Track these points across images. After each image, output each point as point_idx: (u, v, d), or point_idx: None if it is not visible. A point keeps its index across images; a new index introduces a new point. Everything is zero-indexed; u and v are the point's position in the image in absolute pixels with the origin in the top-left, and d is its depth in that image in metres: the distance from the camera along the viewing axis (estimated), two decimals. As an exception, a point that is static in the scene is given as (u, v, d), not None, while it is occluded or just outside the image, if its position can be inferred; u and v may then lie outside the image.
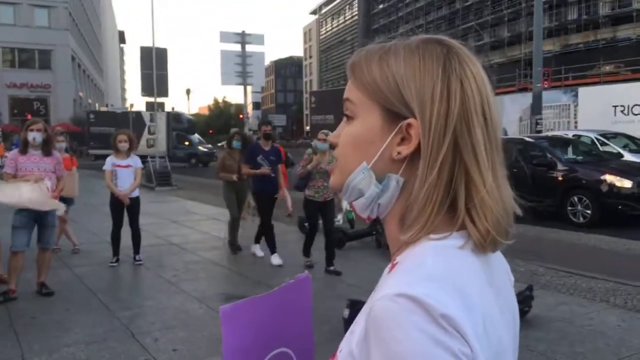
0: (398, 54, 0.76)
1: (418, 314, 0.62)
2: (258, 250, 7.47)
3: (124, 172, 6.94)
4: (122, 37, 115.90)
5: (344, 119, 0.82)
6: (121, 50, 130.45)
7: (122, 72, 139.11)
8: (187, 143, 34.17)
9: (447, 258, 0.70)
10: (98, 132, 35.85)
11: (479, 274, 0.72)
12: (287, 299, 0.98)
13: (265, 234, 7.17)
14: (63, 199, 6.55)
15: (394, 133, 0.74)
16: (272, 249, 7.07)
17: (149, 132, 31.65)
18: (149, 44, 18.61)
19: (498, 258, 0.81)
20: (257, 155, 7.04)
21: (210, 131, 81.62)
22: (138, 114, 33.87)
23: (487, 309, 0.70)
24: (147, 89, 18.00)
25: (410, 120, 0.73)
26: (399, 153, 0.74)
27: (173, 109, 69.55)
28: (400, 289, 0.64)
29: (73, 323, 4.91)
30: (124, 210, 7.04)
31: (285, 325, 0.98)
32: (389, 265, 0.76)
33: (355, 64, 0.80)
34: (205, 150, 34.12)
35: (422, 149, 0.72)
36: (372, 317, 0.65)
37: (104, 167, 6.99)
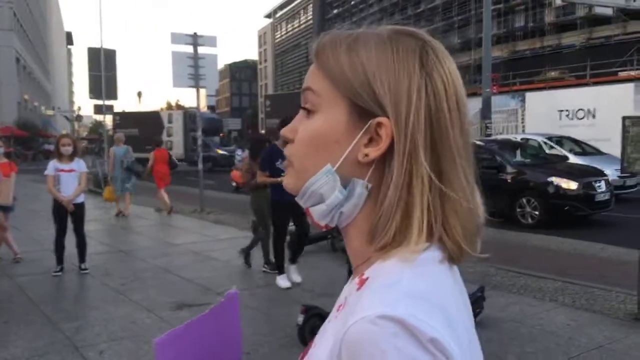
0: (368, 43, 0.68)
1: (403, 338, 0.55)
2: (295, 275, 6.22)
3: (67, 177, 6.67)
4: (69, 38, 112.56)
5: (301, 112, 0.72)
6: (69, 51, 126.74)
7: (70, 74, 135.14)
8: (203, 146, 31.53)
9: (426, 272, 0.63)
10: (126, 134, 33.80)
11: (454, 288, 0.66)
12: (219, 319, 0.90)
13: (274, 247, 6.29)
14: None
15: (361, 132, 0.66)
16: (280, 268, 6.22)
17: (167, 134, 30.09)
18: (98, 45, 18.10)
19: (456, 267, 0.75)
20: (276, 159, 6.06)
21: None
22: (156, 114, 31.63)
23: (468, 326, 0.65)
24: (95, 91, 17.47)
25: (381, 119, 0.65)
26: (366, 155, 0.66)
27: (124, 111, 68.11)
28: (381, 310, 0.57)
29: (12, 336, 4.67)
30: (67, 216, 6.76)
31: (218, 347, 0.90)
32: (356, 280, 0.67)
33: (320, 49, 0.71)
34: (224, 153, 29.91)
35: (396, 151, 0.64)
36: (349, 341, 0.57)
37: (46, 172, 6.71)
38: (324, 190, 0.68)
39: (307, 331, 4.21)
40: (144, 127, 29.48)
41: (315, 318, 4.25)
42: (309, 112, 0.71)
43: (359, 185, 0.67)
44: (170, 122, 30.32)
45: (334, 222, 0.70)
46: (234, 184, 15.55)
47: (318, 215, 0.70)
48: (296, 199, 0.73)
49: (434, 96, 0.65)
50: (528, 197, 10.08)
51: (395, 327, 0.55)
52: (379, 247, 0.66)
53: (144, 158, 30.84)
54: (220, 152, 29.85)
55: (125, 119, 32.87)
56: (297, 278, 6.16)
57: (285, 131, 0.74)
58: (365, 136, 0.67)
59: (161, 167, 12.40)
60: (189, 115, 30.71)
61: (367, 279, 0.65)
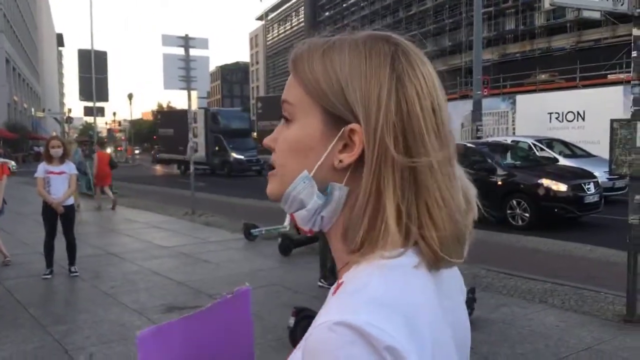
0: (342, 50, 0.68)
1: (359, 345, 0.55)
2: None
3: (57, 179, 6.63)
4: (60, 40, 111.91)
5: (282, 121, 0.74)
6: (59, 53, 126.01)
7: (61, 75, 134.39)
8: (216, 148, 27.47)
9: (395, 278, 0.62)
10: (164, 134, 30.34)
11: (431, 295, 0.65)
12: (225, 315, 0.88)
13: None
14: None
15: (336, 139, 0.67)
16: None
17: (193, 135, 28.31)
18: (88, 47, 18.03)
19: (452, 272, 0.74)
20: None
21: (155, 137, 79.88)
22: (185, 113, 29.27)
23: (438, 335, 0.63)
24: (85, 93, 17.37)
25: (353, 125, 0.66)
26: (340, 161, 0.67)
27: (114, 114, 67.76)
28: (340, 317, 0.57)
29: (2, 339, 4.64)
30: (57, 219, 6.71)
31: (224, 345, 0.88)
32: (335, 285, 0.67)
33: (297, 58, 0.72)
34: (240, 157, 26.73)
35: (365, 157, 0.65)
36: (308, 346, 0.58)
37: (36, 175, 6.67)
38: (303, 195, 0.70)
39: (299, 333, 4.20)
40: (178, 126, 27.59)
41: (306, 320, 4.24)
42: (287, 121, 0.72)
43: (337, 190, 0.68)
44: (195, 121, 27.31)
45: (317, 227, 0.72)
46: None
47: (301, 220, 0.72)
48: (280, 205, 0.74)
49: (406, 101, 0.65)
50: (518, 199, 10.13)
51: (352, 335, 0.55)
52: (350, 251, 0.66)
53: (177, 160, 27.98)
54: (236, 156, 26.79)
55: (165, 118, 30.86)
56: None
57: (267, 140, 0.76)
58: (340, 142, 0.68)
59: (103, 167, 13.84)
60: (210, 114, 27.94)
61: (342, 283, 0.65)
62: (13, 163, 33.64)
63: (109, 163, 14.36)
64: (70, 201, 6.85)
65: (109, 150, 13.74)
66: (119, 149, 54.68)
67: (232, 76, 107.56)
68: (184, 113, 30.59)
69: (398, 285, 0.62)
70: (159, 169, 33.30)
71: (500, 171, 10.50)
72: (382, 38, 0.70)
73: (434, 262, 0.66)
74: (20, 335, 4.72)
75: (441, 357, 0.63)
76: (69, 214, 6.81)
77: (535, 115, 19.97)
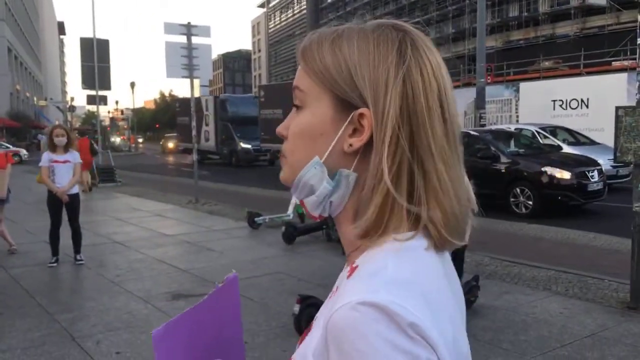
0: (351, 38, 0.70)
1: (383, 322, 0.57)
2: None
3: (62, 168, 6.65)
4: (61, 28, 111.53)
5: (293, 109, 0.75)
6: (61, 41, 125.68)
7: (63, 64, 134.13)
8: (223, 136, 26.23)
9: (412, 260, 0.65)
10: (181, 123, 28.98)
11: (441, 276, 0.68)
12: (218, 305, 0.91)
13: None
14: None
15: (345, 124, 0.69)
16: None
17: (206, 123, 26.59)
18: (90, 35, 17.97)
19: (447, 255, 0.77)
20: None
21: (157, 125, 79.95)
22: (198, 100, 25.79)
23: (453, 315, 0.67)
24: (88, 82, 17.35)
25: (362, 110, 0.67)
26: (350, 145, 0.69)
27: (117, 102, 67.74)
28: (362, 296, 0.59)
29: (8, 327, 4.67)
30: (62, 207, 6.74)
31: (219, 333, 0.91)
32: (347, 268, 0.70)
33: (306, 48, 0.74)
34: (247, 147, 25.07)
35: (374, 140, 0.66)
36: (332, 327, 0.60)
37: (40, 164, 6.69)
38: (313, 181, 0.71)
39: (304, 321, 4.23)
40: (195, 114, 27.32)
41: (311, 308, 4.27)
42: (298, 109, 0.74)
43: (345, 175, 0.70)
44: (207, 109, 26.76)
45: (326, 212, 0.73)
46: None
47: (310, 206, 0.73)
48: (291, 191, 0.76)
49: (412, 86, 0.67)
50: (522, 187, 10.13)
51: (375, 313, 0.58)
52: (360, 234, 0.68)
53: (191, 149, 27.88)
54: (243, 145, 25.22)
55: (183, 106, 29.06)
56: None
57: (280, 128, 0.77)
58: (350, 127, 0.69)
59: (84, 155, 14.65)
60: (219, 101, 26.71)
61: (357, 267, 0.67)
62: (24, 151, 33.75)
63: (90, 150, 14.94)
64: (75, 190, 6.87)
65: (116, 139, 14.36)
66: (122, 137, 54.77)
67: (234, 64, 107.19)
68: (199, 101, 28.25)
69: (414, 266, 0.65)
70: (163, 157, 33.22)
71: (503, 159, 10.48)
72: (390, 25, 0.71)
73: (441, 244, 0.69)
74: (27, 323, 4.76)
75: (459, 334, 0.66)
76: (74, 202, 6.84)
77: (538, 103, 19.88)
